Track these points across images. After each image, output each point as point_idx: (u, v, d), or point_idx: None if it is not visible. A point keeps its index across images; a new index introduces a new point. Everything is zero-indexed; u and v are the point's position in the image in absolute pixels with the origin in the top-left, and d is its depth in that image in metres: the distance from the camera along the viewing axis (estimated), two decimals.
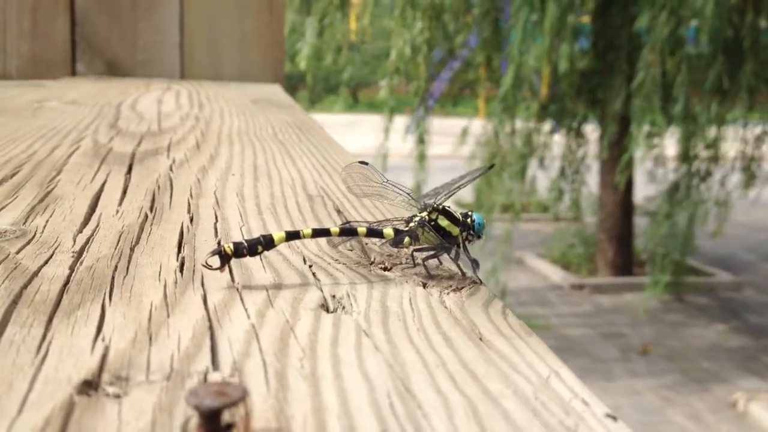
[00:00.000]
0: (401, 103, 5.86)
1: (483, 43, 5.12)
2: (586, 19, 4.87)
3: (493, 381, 0.21)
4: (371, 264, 0.31)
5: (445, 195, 0.33)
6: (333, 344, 0.23)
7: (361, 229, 0.32)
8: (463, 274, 0.31)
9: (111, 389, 0.20)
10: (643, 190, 4.85)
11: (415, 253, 0.31)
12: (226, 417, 0.18)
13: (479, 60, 5.45)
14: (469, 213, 0.33)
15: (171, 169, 0.51)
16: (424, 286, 0.30)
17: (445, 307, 0.28)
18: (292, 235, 0.31)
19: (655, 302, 4.66)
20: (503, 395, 0.21)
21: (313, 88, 6.60)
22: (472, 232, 0.32)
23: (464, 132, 5.39)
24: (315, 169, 0.53)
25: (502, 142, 4.76)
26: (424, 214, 0.32)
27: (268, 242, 0.30)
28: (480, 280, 0.31)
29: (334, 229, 0.32)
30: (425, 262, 0.31)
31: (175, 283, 0.29)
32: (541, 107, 4.89)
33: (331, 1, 5.60)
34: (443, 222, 0.32)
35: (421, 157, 4.60)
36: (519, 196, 4.66)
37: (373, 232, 0.32)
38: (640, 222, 5.10)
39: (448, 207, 0.33)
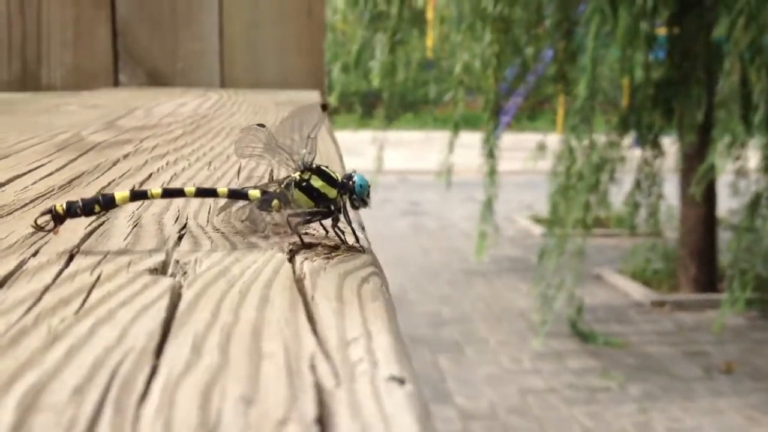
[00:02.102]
0: (477, 119, 5.79)
1: (556, 55, 5.03)
2: (662, 31, 4.74)
3: (270, 341, 0.18)
4: (254, 231, 0.28)
5: (308, 152, 0.29)
6: (122, 305, 0.20)
7: (222, 190, 0.29)
8: (343, 241, 0.27)
9: None
10: (726, 204, 4.66)
11: (291, 219, 0.27)
12: None
13: (553, 73, 5.36)
14: (351, 173, 0.29)
15: (125, 156, 0.49)
16: (293, 253, 0.26)
17: (294, 273, 0.24)
18: (138, 195, 0.28)
19: (741, 319, 4.47)
20: (274, 354, 0.17)
21: (389, 105, 6.60)
22: (354, 195, 0.29)
23: (540, 146, 5.29)
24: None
25: (578, 155, 4.65)
26: (297, 174, 0.29)
27: (107, 202, 0.27)
28: (362, 247, 0.27)
29: (190, 189, 0.29)
30: (296, 228, 0.27)
31: (9, 247, 0.26)
32: (621, 119, 4.77)
33: (402, 17, 5.61)
34: (317, 183, 0.28)
35: (491, 173, 4.53)
36: (594, 211, 4.53)
37: (237, 194, 0.29)
38: (724, 236, 4.90)
39: (325, 167, 0.29)
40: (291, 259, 0.26)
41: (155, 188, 0.28)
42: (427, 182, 8.72)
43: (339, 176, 0.29)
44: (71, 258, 0.25)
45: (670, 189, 4.81)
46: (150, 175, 0.42)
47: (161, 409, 0.14)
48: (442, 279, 5.26)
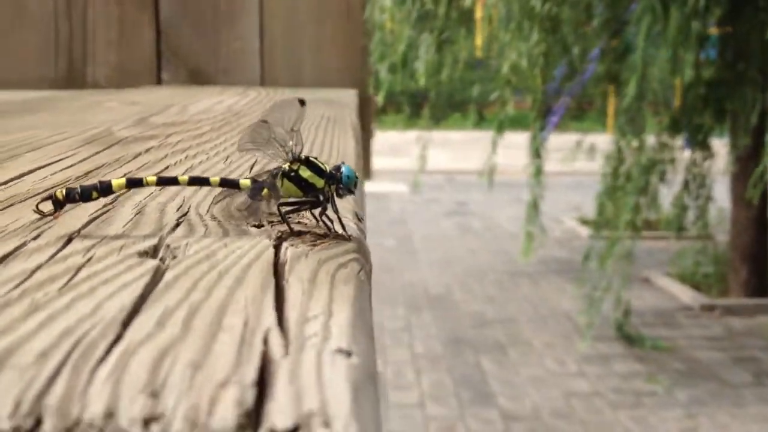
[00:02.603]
0: (525, 119, 5.77)
1: (604, 54, 4.99)
2: (714, 31, 4.66)
3: (233, 316, 0.19)
4: (246, 218, 0.29)
5: (295, 144, 0.30)
6: (104, 282, 0.22)
7: (214, 179, 0.30)
8: (329, 229, 0.29)
9: None
10: None
11: (280, 207, 0.29)
12: None
13: (602, 72, 5.31)
14: (340, 164, 0.30)
15: (147, 150, 0.50)
16: (280, 240, 0.28)
17: (277, 258, 0.25)
18: (134, 182, 0.29)
19: None
20: (232, 327, 0.18)
21: (436, 104, 6.61)
22: (341, 185, 0.30)
23: (578, 145, 5.26)
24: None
25: (627, 156, 4.60)
26: (286, 164, 0.30)
27: (104, 188, 0.29)
28: (348, 236, 0.28)
29: (183, 178, 0.30)
30: (286, 216, 0.28)
31: (13, 231, 0.28)
32: (672, 120, 4.70)
33: (449, 17, 5.60)
34: (305, 173, 0.30)
35: (537, 173, 4.50)
36: (643, 213, 4.47)
37: (228, 183, 0.30)
38: None
39: (314, 157, 0.30)
40: (277, 246, 0.27)
41: (150, 176, 0.30)
42: (473, 182, 8.70)
43: (327, 167, 0.30)
44: (69, 241, 0.27)
45: (720, 191, 4.73)
46: (166, 167, 0.44)
47: (114, 372, 0.16)
48: (487, 279, 5.24)
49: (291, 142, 0.30)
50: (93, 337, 0.18)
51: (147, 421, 0.14)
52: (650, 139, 4.50)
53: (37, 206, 0.27)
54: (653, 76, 4.21)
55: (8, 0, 1.41)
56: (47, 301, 0.20)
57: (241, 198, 0.29)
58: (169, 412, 0.14)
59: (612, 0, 4.99)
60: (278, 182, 0.29)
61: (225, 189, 0.30)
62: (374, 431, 0.16)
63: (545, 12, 4.56)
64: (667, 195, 4.55)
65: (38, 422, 0.14)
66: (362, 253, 0.28)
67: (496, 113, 5.44)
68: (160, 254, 0.26)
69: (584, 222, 6.53)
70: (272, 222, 0.29)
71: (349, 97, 1.18)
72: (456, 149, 10.89)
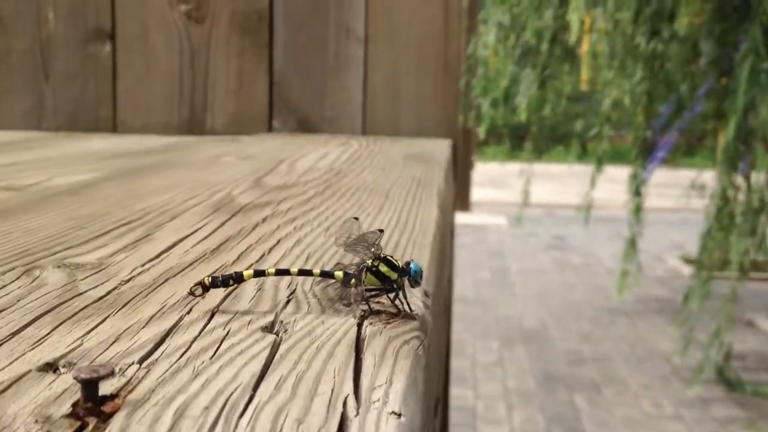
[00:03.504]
0: (629, 153, 5.73)
1: (710, 92, 4.93)
2: None
3: (324, 384, 0.29)
4: (339, 300, 0.39)
5: (376, 249, 0.40)
6: (239, 353, 0.32)
7: (316, 271, 0.40)
8: (399, 310, 0.38)
9: (62, 369, 0.30)
10: None
11: (363, 293, 0.38)
12: (107, 389, 0.28)
13: (709, 110, 5.24)
14: (410, 261, 0.40)
15: (263, 219, 0.61)
16: (363, 318, 0.37)
17: (359, 334, 0.35)
18: (259, 273, 0.40)
19: None
20: (324, 393, 0.28)
21: (538, 137, 6.63)
22: (410, 277, 0.40)
23: (692, 184, 5.18)
24: (387, 225, 0.62)
25: (731, 195, 4.52)
26: (369, 261, 0.40)
27: (238, 277, 0.39)
28: (413, 315, 0.38)
29: (293, 270, 0.40)
30: (368, 300, 0.38)
31: (172, 305, 0.38)
32: None
33: (552, 53, 5.64)
34: (383, 268, 0.40)
35: (637, 210, 4.48)
36: (750, 255, 4.38)
37: (327, 274, 0.40)
38: None
39: (390, 256, 0.40)
40: (360, 324, 0.37)
41: (270, 268, 0.40)
42: (573, 217, 8.65)
43: (400, 263, 0.40)
44: (212, 316, 0.37)
45: None
46: (278, 241, 0.54)
47: (250, 423, 0.26)
48: (584, 316, 5.22)
49: (373, 249, 0.40)
50: (236, 397, 0.28)
51: None
52: (761, 178, 4.42)
53: (190, 289, 0.38)
54: (763, 116, 4.14)
55: (141, 55, 1.57)
56: (204, 368, 0.30)
57: (336, 285, 0.39)
58: None
59: (720, 38, 4.93)
60: (363, 274, 0.39)
61: (324, 278, 0.40)
62: None
63: (649, 50, 4.56)
64: None
65: None
66: (423, 329, 0.38)
67: (595, 149, 5.44)
68: (276, 328, 0.36)
69: (687, 261, 6.40)
70: (356, 302, 0.39)
71: (442, 150, 1.28)
72: (557, 182, 10.85)
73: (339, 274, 0.39)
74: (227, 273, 0.39)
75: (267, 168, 0.97)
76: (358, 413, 0.27)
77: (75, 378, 0.26)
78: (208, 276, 0.38)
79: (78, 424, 0.25)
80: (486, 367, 4.22)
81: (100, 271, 0.44)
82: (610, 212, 7.17)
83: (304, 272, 0.40)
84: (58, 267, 0.44)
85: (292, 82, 1.58)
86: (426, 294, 0.43)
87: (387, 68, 1.57)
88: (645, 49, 4.66)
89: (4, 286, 0.41)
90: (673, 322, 4.65)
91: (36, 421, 0.25)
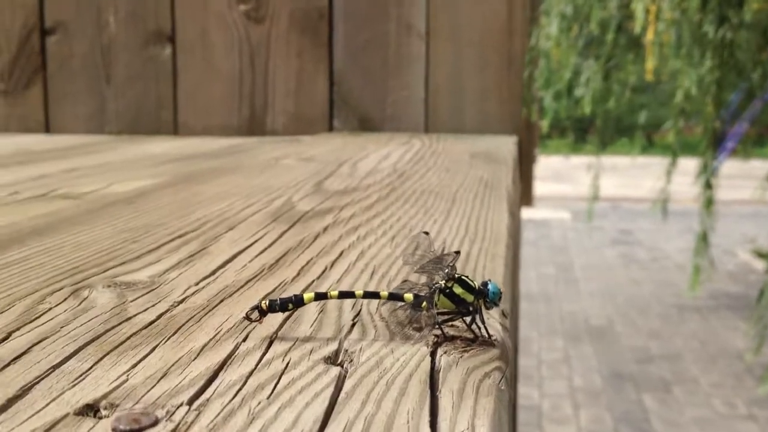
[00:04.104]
0: (697, 144, 5.58)
1: None
2: None
3: (397, 429, 0.25)
4: (408, 324, 0.36)
5: (451, 268, 0.36)
6: (299, 391, 0.28)
7: (384, 294, 0.36)
8: (476, 335, 0.34)
9: (104, 412, 0.26)
10: None
11: (437, 317, 0.35)
12: None
13: None
14: (487, 281, 0.36)
15: (324, 229, 0.58)
16: (436, 345, 0.34)
17: (433, 365, 0.31)
18: (321, 296, 0.36)
19: None
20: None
21: (603, 130, 6.51)
22: (487, 299, 0.36)
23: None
24: (456, 233, 0.58)
25: None
26: (442, 282, 0.36)
27: (298, 301, 0.36)
28: (492, 342, 0.34)
29: (359, 293, 0.36)
30: (441, 325, 0.34)
31: (227, 331, 0.35)
32: None
33: (617, 43, 5.52)
34: (457, 290, 0.36)
35: (708, 203, 4.34)
36: None
37: (395, 296, 0.36)
38: None
39: (465, 276, 0.36)
40: (434, 352, 0.33)
41: (333, 291, 0.36)
42: (640, 210, 8.46)
43: (476, 284, 0.36)
44: (270, 344, 0.34)
45: None
46: (341, 253, 0.51)
47: None
48: (652, 313, 5.09)
49: (447, 269, 0.36)
50: None
51: None
52: None
53: (247, 315, 0.35)
54: None
55: (201, 57, 1.56)
56: (260, 410, 0.27)
57: (405, 308, 0.35)
58: None
59: None
60: (435, 297, 0.36)
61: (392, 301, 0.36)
62: None
63: (718, 38, 4.41)
64: None
65: None
66: (504, 358, 0.34)
67: (667, 141, 5.30)
68: (340, 358, 0.33)
69: (760, 255, 6.21)
70: (430, 328, 0.35)
71: (508, 147, 1.23)
72: (622, 175, 10.64)
73: (409, 296, 0.36)
74: (285, 297, 0.36)
75: (328, 171, 0.94)
76: None
77: (114, 430, 0.23)
78: (265, 299, 0.35)
79: None
80: (551, 364, 4.15)
81: (152, 290, 0.42)
82: (677, 205, 6.99)
83: (370, 295, 0.37)
84: (108, 287, 0.42)
85: (353, 80, 1.55)
86: (504, 314, 0.39)
87: (449, 64, 1.52)
88: (713, 37, 4.52)
89: (51, 309, 0.38)
90: (746, 318, 4.50)
91: None
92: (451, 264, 0.36)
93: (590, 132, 6.87)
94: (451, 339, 0.35)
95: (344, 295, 0.36)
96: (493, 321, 0.38)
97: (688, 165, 5.44)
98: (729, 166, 5.54)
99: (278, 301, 0.35)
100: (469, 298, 0.35)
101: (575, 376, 4.01)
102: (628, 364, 4.19)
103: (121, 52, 1.60)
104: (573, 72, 5.69)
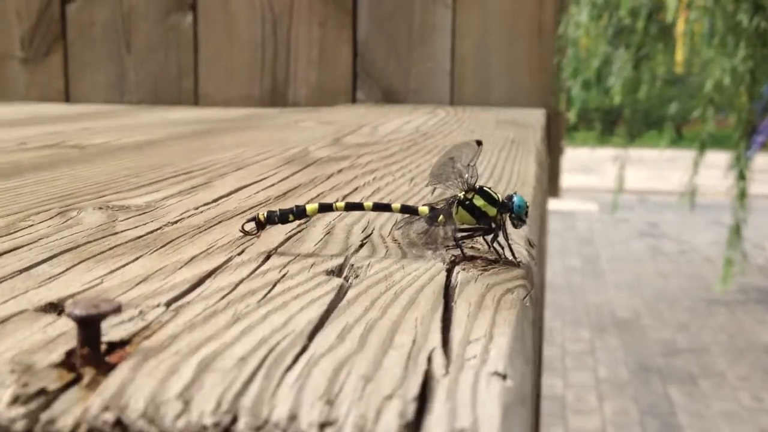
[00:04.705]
0: (726, 138, 5.49)
1: None
2: None
3: (403, 334, 0.22)
4: (424, 243, 0.32)
5: (470, 176, 0.32)
6: (295, 297, 0.25)
7: (396, 206, 0.32)
8: (499, 255, 0.30)
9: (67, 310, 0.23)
10: None
11: (455, 233, 0.31)
12: (120, 334, 0.21)
13: None
14: (512, 194, 0.32)
15: (339, 171, 0.54)
16: (453, 264, 0.30)
17: (449, 281, 0.28)
18: (325, 207, 0.32)
19: None
20: (402, 345, 0.21)
21: (631, 122, 6.42)
22: (513, 214, 0.32)
23: None
24: (482, 178, 0.54)
25: None
26: (461, 193, 0.32)
27: (300, 212, 0.32)
28: (518, 262, 0.30)
29: (368, 204, 0.33)
30: (459, 242, 0.30)
31: (221, 246, 0.32)
32: None
33: (648, 32, 5.43)
34: (479, 202, 0.32)
35: (741, 196, 4.26)
36: None
37: (409, 209, 0.32)
38: None
39: (488, 187, 0.32)
40: (450, 270, 0.29)
41: (339, 201, 0.33)
42: (667, 203, 8.33)
43: (500, 197, 0.32)
44: (268, 257, 0.30)
45: None
46: (356, 188, 0.47)
47: (298, 379, 0.18)
48: (679, 306, 5.01)
49: (467, 174, 0.32)
50: (283, 347, 0.20)
51: (322, 426, 0.17)
52: None
53: (242, 226, 0.31)
54: None
55: (222, 26, 1.53)
56: (247, 313, 0.23)
57: (420, 223, 0.31)
58: (341, 419, 0.17)
59: None
60: (453, 210, 0.32)
61: (405, 215, 0.33)
62: None
63: (752, 27, 4.32)
64: None
65: (234, 420, 0.17)
66: (529, 279, 0.30)
67: (696, 132, 5.20)
68: (345, 273, 0.29)
69: None
70: (447, 246, 0.31)
71: (536, 117, 1.19)
72: (650, 168, 10.49)
73: (424, 209, 0.32)
74: (286, 208, 0.32)
75: (347, 130, 0.91)
76: (447, 372, 0.20)
77: (68, 315, 0.20)
78: (264, 212, 0.31)
79: (71, 376, 0.19)
80: (576, 355, 4.09)
81: (146, 213, 0.38)
82: (706, 198, 6.88)
83: (381, 207, 0.33)
84: (100, 209, 0.38)
85: (377, 50, 1.51)
86: (530, 243, 0.35)
87: (476, 34, 1.48)
88: (748, 25, 4.42)
89: (33, 225, 0.35)
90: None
91: (12, 371, 0.19)
92: (471, 164, 0.32)
93: (618, 124, 6.79)
94: (471, 259, 0.31)
95: (352, 206, 0.32)
96: (518, 246, 0.34)
97: (717, 159, 5.34)
98: (759, 161, 5.41)
99: (278, 212, 0.31)
100: (492, 211, 0.31)
101: (600, 367, 3.95)
102: (654, 356, 4.12)
103: (141, 20, 1.57)
104: (602, 61, 5.61)
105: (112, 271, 0.27)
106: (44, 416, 0.17)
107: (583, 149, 10.58)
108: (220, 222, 0.36)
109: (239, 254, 0.31)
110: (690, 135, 9.84)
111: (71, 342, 0.20)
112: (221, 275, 0.27)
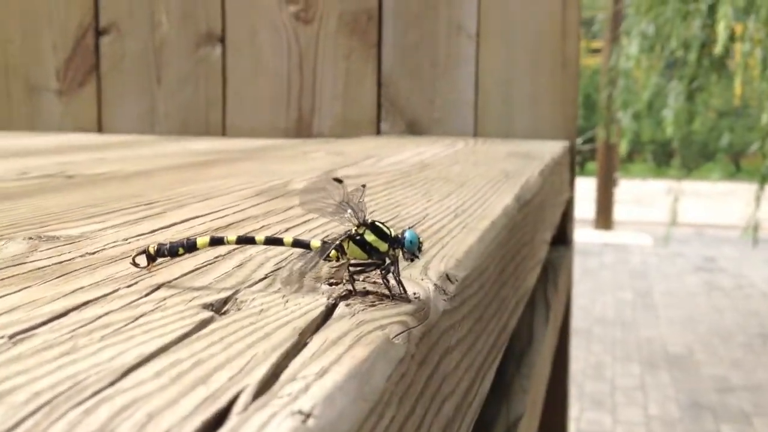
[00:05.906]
0: None
1: None
2: None
3: (227, 371, 0.21)
4: (312, 275, 0.31)
5: (361, 211, 0.32)
6: (147, 332, 0.25)
7: (288, 239, 0.32)
8: (390, 291, 0.30)
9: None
10: None
11: (345, 268, 0.30)
12: None
13: None
14: (405, 229, 0.31)
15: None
16: (341, 299, 0.29)
17: (326, 316, 0.27)
18: (216, 241, 0.32)
19: None
20: (214, 382, 0.20)
21: (685, 154, 6.32)
22: (404, 249, 0.31)
23: None
24: (443, 210, 0.53)
25: None
26: (353, 228, 0.32)
27: (190, 245, 0.32)
28: (407, 298, 0.29)
29: (259, 238, 0.32)
30: (352, 276, 0.30)
31: (118, 278, 0.32)
32: None
33: (701, 64, 5.35)
34: (369, 237, 0.31)
35: None
36: None
37: (300, 244, 0.32)
38: None
39: (380, 222, 0.32)
40: (334, 305, 0.29)
41: (231, 235, 0.32)
42: (725, 237, 8.14)
43: (392, 231, 0.31)
44: (156, 290, 0.30)
45: None
46: (305, 221, 0.47)
47: (80, 416, 0.18)
48: (734, 342, 4.87)
49: (349, 211, 0.32)
50: (88, 383, 0.20)
51: None
52: None
53: (133, 259, 0.31)
54: None
55: (250, 57, 1.55)
56: (82, 347, 0.23)
57: (312, 258, 0.31)
58: None
59: None
60: (345, 245, 0.31)
61: (299, 249, 0.32)
62: None
63: None
64: None
65: None
66: (420, 317, 0.29)
67: (756, 164, 5.08)
68: (227, 307, 0.28)
69: None
70: (339, 282, 0.31)
71: (551, 149, 1.17)
72: (706, 201, 10.27)
73: (316, 243, 0.31)
74: (177, 240, 0.32)
75: (350, 161, 0.91)
76: (245, 409, 0.19)
77: None
78: (154, 244, 0.31)
79: None
80: (626, 391, 4.00)
81: (73, 243, 0.38)
82: (763, 233, 6.70)
83: (272, 241, 0.32)
84: (30, 239, 0.39)
85: (401, 82, 1.51)
86: (449, 278, 0.35)
87: (500, 67, 1.47)
88: None
89: None
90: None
91: None
92: (358, 202, 0.32)
93: (673, 156, 6.67)
94: (365, 294, 0.30)
95: (244, 240, 0.32)
96: (427, 282, 0.33)
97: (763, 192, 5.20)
98: None
99: (167, 245, 0.31)
100: (383, 247, 0.31)
101: (651, 403, 3.85)
102: (707, 393, 4.00)
103: (172, 53, 1.60)
104: (653, 92, 5.54)
105: None
106: None
107: (636, 181, 10.43)
108: (139, 254, 0.36)
109: (129, 286, 0.30)
110: (749, 167, 9.61)
111: None
112: (91, 307, 0.27)
